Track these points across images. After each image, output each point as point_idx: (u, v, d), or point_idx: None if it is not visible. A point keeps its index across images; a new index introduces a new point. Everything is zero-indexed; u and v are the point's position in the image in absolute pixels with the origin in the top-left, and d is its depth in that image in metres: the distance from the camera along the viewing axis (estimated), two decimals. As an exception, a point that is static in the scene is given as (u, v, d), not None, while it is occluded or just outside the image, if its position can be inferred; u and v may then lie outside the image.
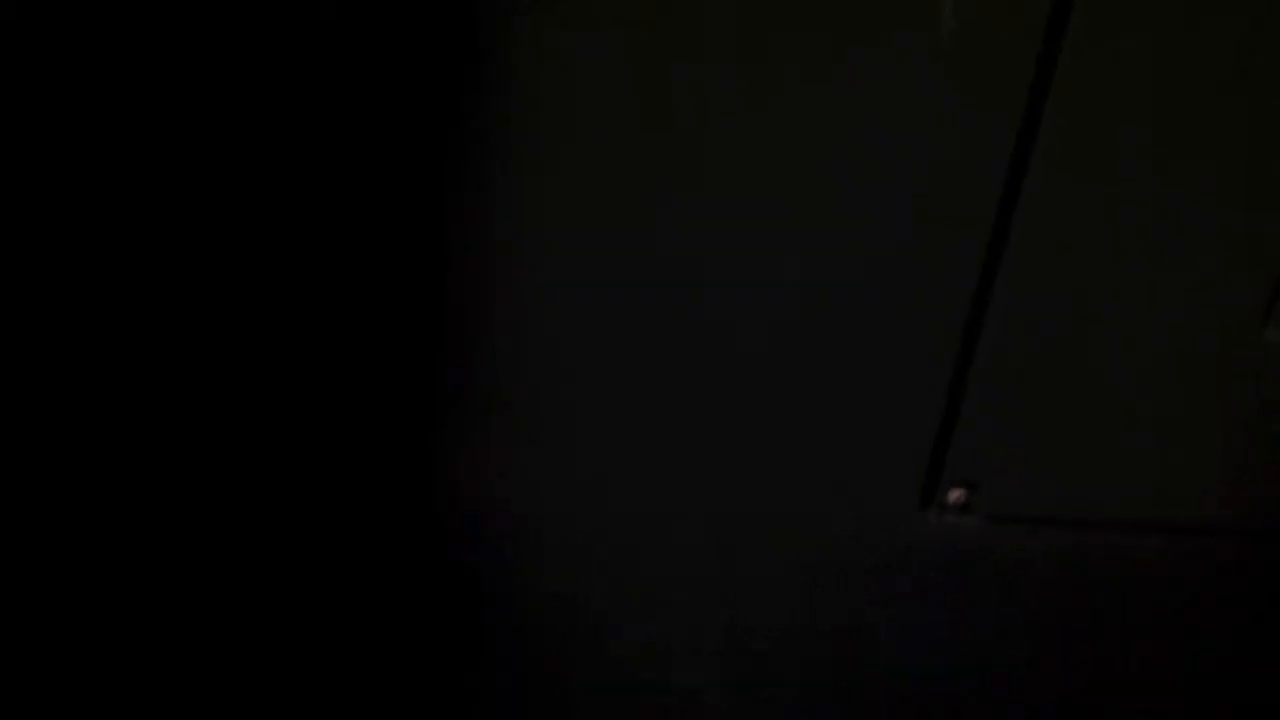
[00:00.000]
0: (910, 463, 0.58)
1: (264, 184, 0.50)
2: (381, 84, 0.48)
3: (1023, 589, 0.61)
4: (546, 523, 0.60)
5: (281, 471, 0.57)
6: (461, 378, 0.56)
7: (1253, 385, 0.56)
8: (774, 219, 0.52)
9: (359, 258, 0.52)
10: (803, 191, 0.51)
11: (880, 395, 0.56)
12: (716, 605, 0.63)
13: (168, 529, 0.58)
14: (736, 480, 0.59)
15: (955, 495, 0.58)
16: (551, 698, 0.66)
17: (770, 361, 0.55)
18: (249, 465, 0.57)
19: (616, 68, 0.48)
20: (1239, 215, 0.52)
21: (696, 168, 0.50)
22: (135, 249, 0.50)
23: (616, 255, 0.52)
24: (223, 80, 0.47)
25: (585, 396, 0.56)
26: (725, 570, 0.62)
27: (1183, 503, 0.59)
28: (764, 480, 0.59)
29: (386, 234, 0.52)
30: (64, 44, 0.45)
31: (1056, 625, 0.63)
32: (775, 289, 0.54)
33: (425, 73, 0.48)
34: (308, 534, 0.59)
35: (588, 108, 0.49)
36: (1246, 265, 0.53)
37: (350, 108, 0.49)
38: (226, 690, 0.62)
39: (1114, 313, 0.54)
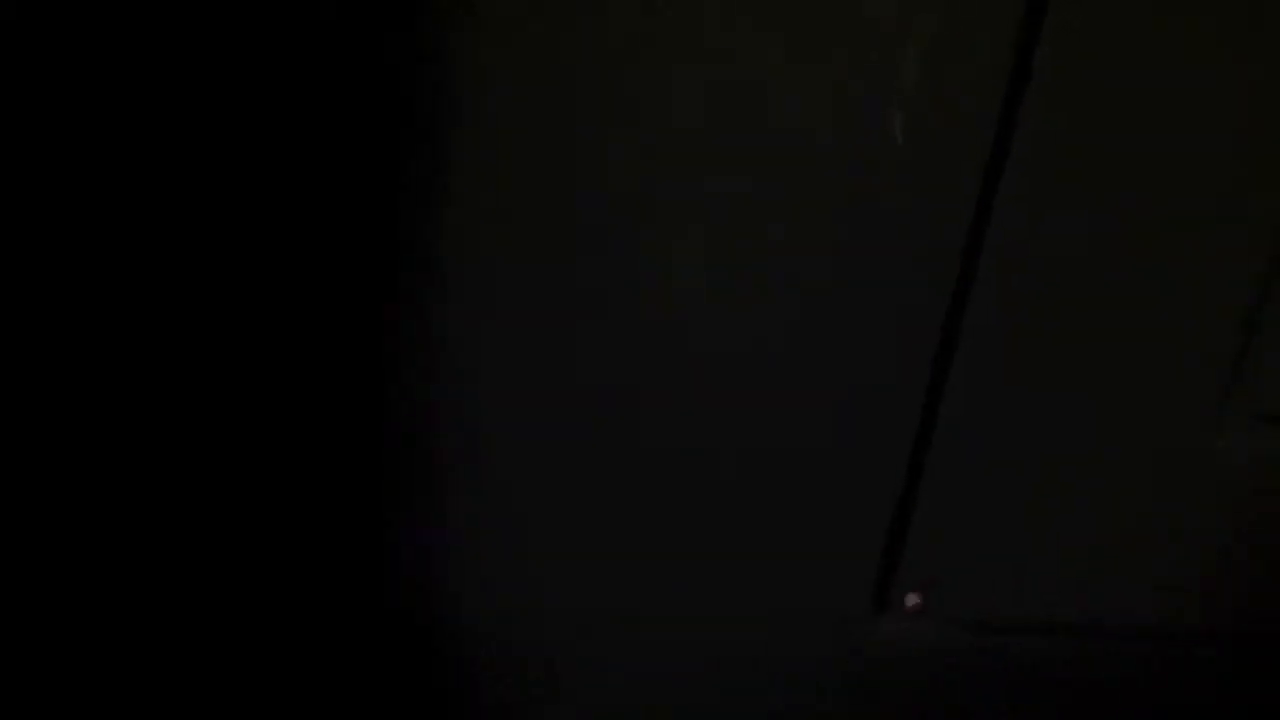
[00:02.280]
0: (864, 567, 0.57)
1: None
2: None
3: (978, 692, 0.61)
4: (494, 623, 0.59)
5: (217, 578, 0.56)
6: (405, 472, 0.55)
7: (1204, 491, 0.56)
8: (730, 317, 0.51)
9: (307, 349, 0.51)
10: (756, 286, 0.51)
11: (834, 499, 0.56)
12: (669, 706, 0.62)
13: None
14: (689, 582, 0.58)
15: (911, 600, 0.57)
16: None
17: (724, 464, 0.55)
18: (188, 569, 0.55)
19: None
20: (1188, 323, 0.52)
21: (643, 287, 0.50)
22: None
23: (566, 367, 0.52)
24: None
25: (534, 498, 0.56)
26: (678, 672, 0.61)
27: (1136, 607, 0.59)
28: (716, 581, 0.58)
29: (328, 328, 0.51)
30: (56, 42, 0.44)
31: (1012, 728, 0.63)
32: (730, 393, 0.53)
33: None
34: (247, 635, 0.58)
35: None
36: (1197, 372, 0.53)
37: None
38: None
39: (1066, 419, 0.54)
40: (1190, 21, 0.45)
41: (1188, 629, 0.60)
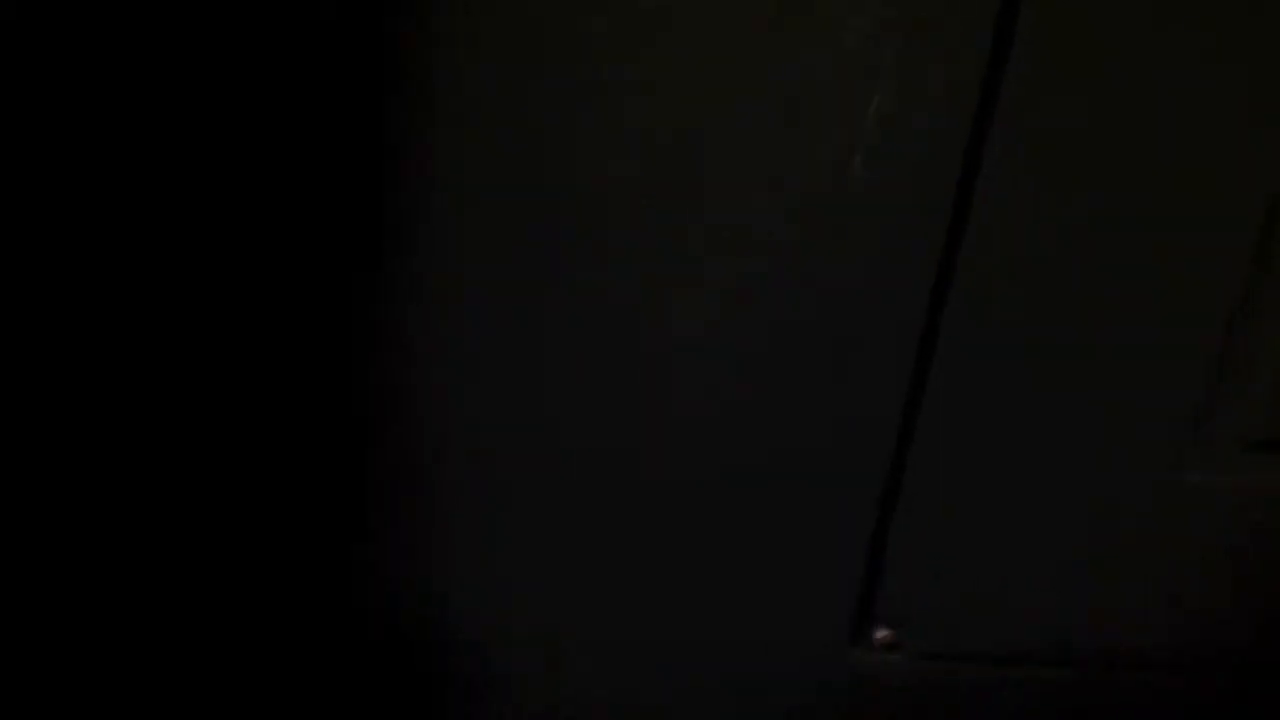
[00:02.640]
0: (838, 601, 0.57)
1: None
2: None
3: (951, 724, 0.61)
4: (467, 641, 0.59)
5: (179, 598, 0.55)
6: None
7: (1175, 522, 0.56)
8: (705, 353, 0.51)
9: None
10: (729, 323, 0.51)
11: (808, 534, 0.56)
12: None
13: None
14: (664, 611, 0.58)
15: (883, 634, 0.57)
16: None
17: (701, 495, 0.55)
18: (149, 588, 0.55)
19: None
20: (1158, 356, 0.52)
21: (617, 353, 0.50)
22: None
23: (546, 390, 0.52)
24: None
25: (511, 521, 0.56)
26: (651, 700, 0.61)
27: (1107, 639, 0.59)
28: (691, 610, 0.58)
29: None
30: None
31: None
32: (707, 425, 0.53)
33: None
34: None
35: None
36: (1167, 405, 0.53)
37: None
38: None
39: (1036, 453, 0.54)
40: (1147, 75, 0.45)
41: (1160, 659, 0.60)
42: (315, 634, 0.58)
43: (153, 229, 0.47)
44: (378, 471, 0.54)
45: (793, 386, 0.52)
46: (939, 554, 0.56)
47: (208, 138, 0.46)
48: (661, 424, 0.53)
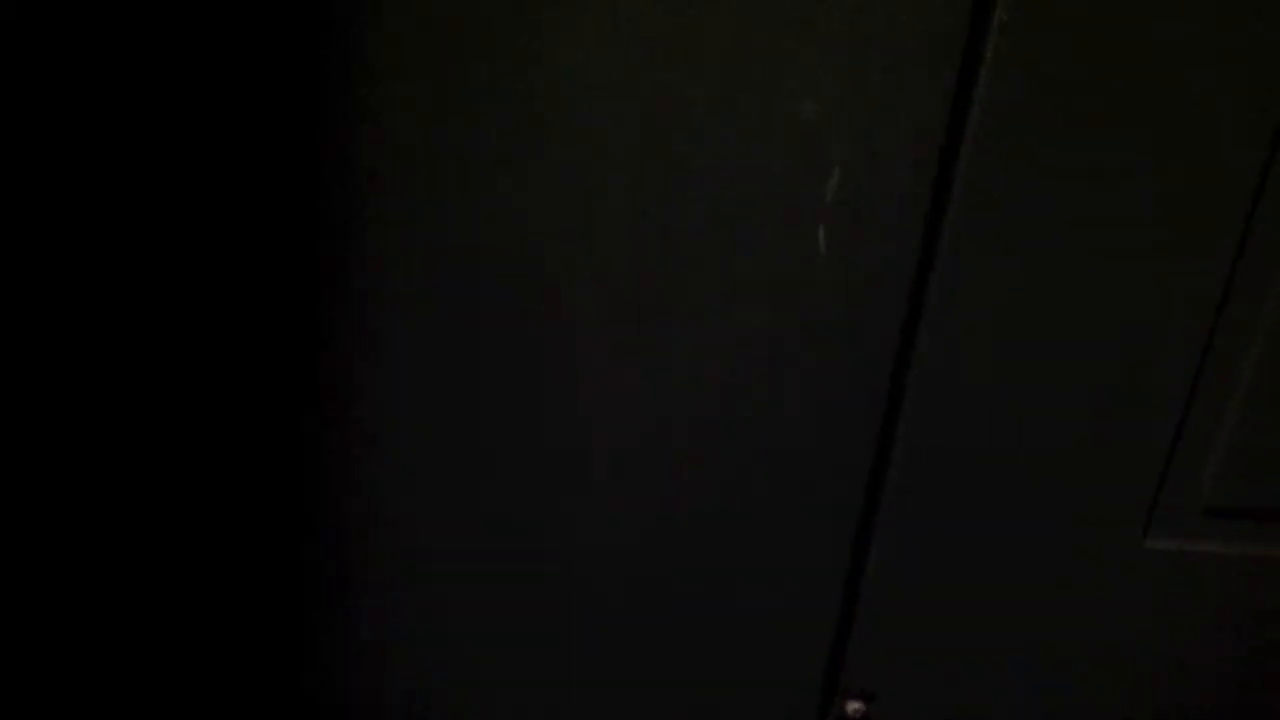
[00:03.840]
0: (807, 675, 0.56)
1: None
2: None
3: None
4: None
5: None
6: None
7: (1135, 590, 0.56)
8: (677, 438, 0.51)
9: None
10: (704, 406, 0.50)
11: (775, 609, 0.55)
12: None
13: None
14: (632, 688, 0.57)
15: (853, 707, 0.56)
16: None
17: (667, 570, 0.54)
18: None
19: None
20: (1116, 427, 0.53)
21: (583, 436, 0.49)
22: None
23: (498, 478, 0.51)
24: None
25: (463, 613, 0.54)
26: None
27: (1072, 706, 0.59)
28: (661, 688, 0.57)
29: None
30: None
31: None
32: (672, 503, 0.53)
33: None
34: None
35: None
36: (1126, 474, 0.54)
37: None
38: None
39: (1000, 525, 0.54)
40: (1098, 158, 0.46)
41: (1128, 725, 0.60)
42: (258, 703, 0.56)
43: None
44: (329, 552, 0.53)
45: (757, 463, 0.51)
46: (906, 626, 0.56)
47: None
48: (627, 506, 0.52)
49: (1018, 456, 0.52)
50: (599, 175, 0.45)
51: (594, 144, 0.45)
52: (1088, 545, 0.55)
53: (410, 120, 0.44)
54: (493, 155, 0.45)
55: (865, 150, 0.45)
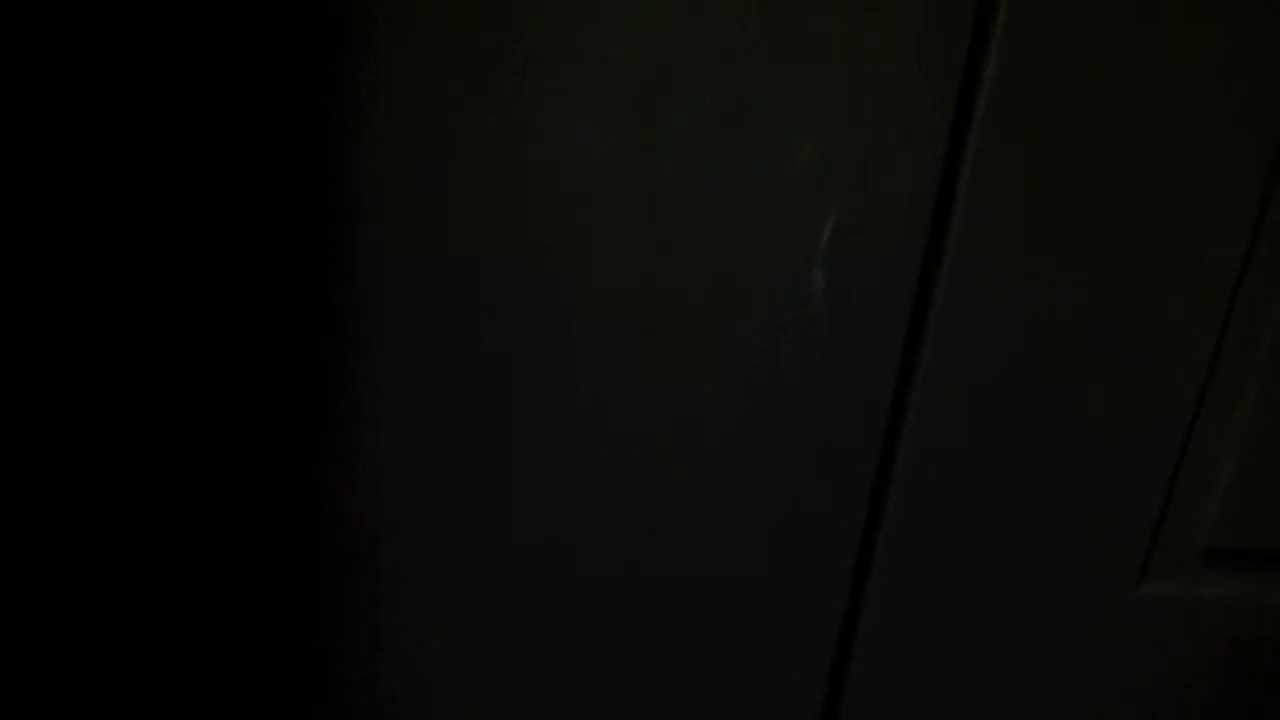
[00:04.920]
0: (804, 705, 0.56)
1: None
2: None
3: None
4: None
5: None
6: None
7: (1131, 635, 0.56)
8: (662, 510, 0.51)
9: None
10: (694, 460, 0.50)
11: (774, 637, 0.55)
12: None
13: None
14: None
15: (845, 750, 0.56)
16: None
17: (649, 644, 0.54)
18: None
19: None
20: (1112, 470, 0.52)
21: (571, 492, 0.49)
22: None
23: (499, 501, 0.51)
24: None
25: (466, 632, 0.54)
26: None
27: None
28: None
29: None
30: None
31: None
32: (657, 571, 0.52)
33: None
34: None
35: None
36: (1122, 518, 0.53)
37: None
38: None
39: (994, 566, 0.54)
40: (1094, 196, 0.46)
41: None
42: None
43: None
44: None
45: (747, 515, 0.51)
46: (901, 668, 0.55)
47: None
48: (623, 534, 0.52)
49: (1009, 496, 0.52)
50: (593, 221, 0.45)
51: (587, 190, 0.44)
52: (1082, 589, 0.54)
53: (404, 153, 0.43)
54: (491, 193, 0.44)
55: (862, 194, 0.45)
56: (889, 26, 0.42)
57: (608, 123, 0.43)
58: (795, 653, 0.55)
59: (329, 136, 0.43)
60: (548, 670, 0.54)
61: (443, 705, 0.55)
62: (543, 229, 0.45)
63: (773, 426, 0.49)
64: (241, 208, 0.44)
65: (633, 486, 0.50)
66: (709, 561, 0.52)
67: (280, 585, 0.52)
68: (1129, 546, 0.54)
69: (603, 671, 0.55)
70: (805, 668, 0.55)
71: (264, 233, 0.45)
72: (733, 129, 0.43)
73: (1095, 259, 0.47)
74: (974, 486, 0.51)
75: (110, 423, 0.47)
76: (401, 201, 0.44)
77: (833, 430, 0.49)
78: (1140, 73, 0.43)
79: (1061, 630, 0.55)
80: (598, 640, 0.54)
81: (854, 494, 0.51)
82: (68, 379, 0.46)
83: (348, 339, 0.47)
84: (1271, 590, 0.55)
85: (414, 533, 0.51)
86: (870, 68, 0.42)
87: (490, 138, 0.43)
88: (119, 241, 0.45)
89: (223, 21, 0.42)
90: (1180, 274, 0.48)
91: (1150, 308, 0.48)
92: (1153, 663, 0.56)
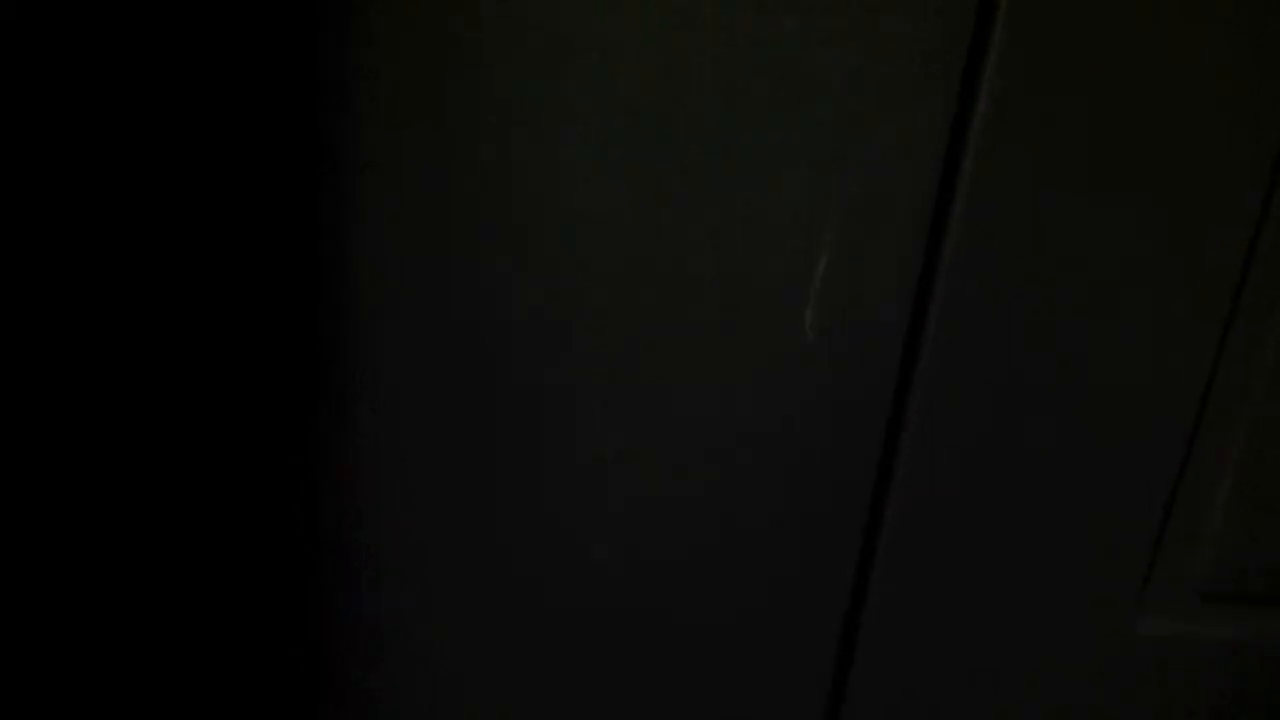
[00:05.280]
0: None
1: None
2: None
3: None
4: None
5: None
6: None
7: (1127, 675, 0.55)
8: (657, 561, 0.51)
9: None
10: (686, 496, 0.50)
11: (769, 672, 0.54)
12: None
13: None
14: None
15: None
16: None
17: (648, 659, 0.54)
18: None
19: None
20: (1107, 508, 0.52)
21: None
22: None
23: (495, 532, 0.51)
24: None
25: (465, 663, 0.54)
26: None
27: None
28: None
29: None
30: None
31: None
32: (647, 624, 0.52)
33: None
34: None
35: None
36: (1117, 554, 0.53)
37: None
38: None
39: (988, 606, 0.54)
40: (1084, 239, 0.46)
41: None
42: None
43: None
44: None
45: (745, 541, 0.51)
46: (898, 707, 0.55)
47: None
48: (614, 577, 0.52)
49: (1003, 534, 0.52)
50: (585, 260, 0.45)
51: (579, 229, 0.45)
52: (1079, 626, 0.54)
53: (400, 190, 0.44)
54: (488, 232, 0.45)
55: (853, 232, 0.45)
56: (884, 62, 0.42)
57: (605, 157, 0.44)
58: (786, 695, 0.54)
59: (323, 143, 0.44)
60: (549, 670, 0.54)
61: (443, 712, 0.55)
62: (540, 260, 0.45)
63: (763, 466, 0.49)
64: (232, 218, 0.45)
65: (627, 510, 0.50)
66: (699, 600, 0.52)
67: (275, 590, 0.52)
68: (1125, 584, 0.53)
69: (602, 683, 0.55)
70: (801, 700, 0.55)
71: (255, 241, 0.45)
72: (724, 167, 0.44)
73: (1089, 291, 0.47)
74: (968, 524, 0.51)
75: (102, 422, 0.47)
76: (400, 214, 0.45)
77: (823, 474, 0.49)
78: (1139, 87, 0.44)
79: (1058, 667, 0.54)
80: (596, 653, 0.54)
81: (845, 534, 0.51)
82: (61, 372, 0.46)
83: (339, 339, 0.47)
84: (1268, 629, 0.55)
85: (412, 536, 0.51)
86: (863, 106, 0.43)
87: (488, 183, 0.44)
88: (109, 240, 0.45)
89: (214, 16, 0.42)
90: (1173, 309, 0.48)
91: (1144, 341, 0.49)
92: (1149, 701, 0.55)
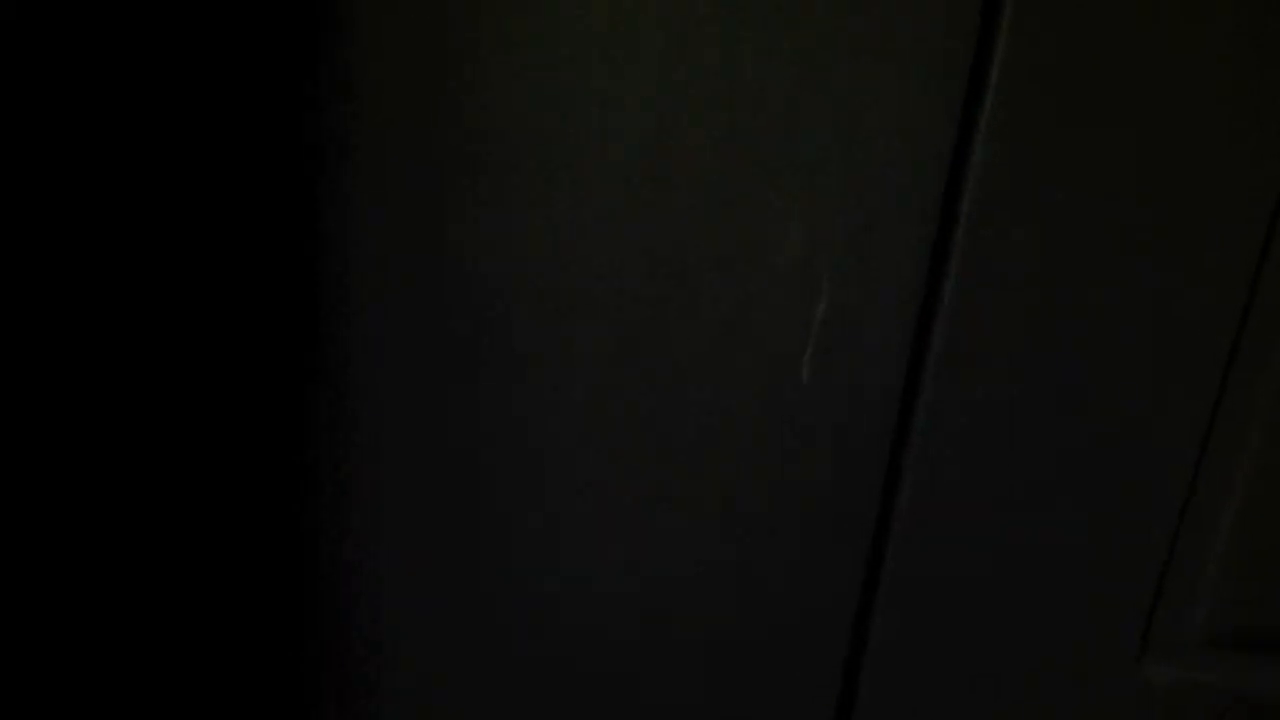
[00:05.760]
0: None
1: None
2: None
3: None
4: None
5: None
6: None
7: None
8: (658, 597, 0.50)
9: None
10: (680, 546, 0.50)
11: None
12: None
13: None
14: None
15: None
16: None
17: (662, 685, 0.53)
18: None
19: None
20: (1110, 552, 0.52)
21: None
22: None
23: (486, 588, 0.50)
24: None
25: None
26: None
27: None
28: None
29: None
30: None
31: None
32: (642, 664, 0.52)
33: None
34: None
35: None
36: (1120, 600, 0.53)
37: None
38: None
39: (990, 650, 0.53)
40: (1081, 291, 0.46)
41: None
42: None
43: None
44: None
45: (735, 602, 0.50)
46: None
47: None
48: (609, 626, 0.51)
49: (1006, 578, 0.51)
50: (581, 305, 0.45)
51: (576, 275, 0.45)
52: (1080, 670, 0.53)
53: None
54: (487, 267, 0.45)
55: (851, 276, 0.45)
56: (879, 107, 0.43)
57: (604, 203, 0.44)
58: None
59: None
60: (550, 671, 0.53)
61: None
62: (537, 290, 0.45)
63: (761, 513, 0.49)
64: (220, 220, 0.45)
65: (630, 546, 0.50)
66: (694, 651, 0.52)
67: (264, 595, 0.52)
68: (1127, 629, 0.53)
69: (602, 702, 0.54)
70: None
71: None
72: (721, 213, 0.44)
73: (1088, 336, 0.47)
74: (968, 567, 0.51)
75: (91, 424, 0.47)
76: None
77: (822, 519, 0.49)
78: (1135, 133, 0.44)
79: (1060, 712, 0.54)
80: (594, 688, 0.53)
81: (844, 579, 0.51)
82: (49, 374, 0.45)
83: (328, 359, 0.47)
84: (1268, 675, 0.55)
85: (403, 545, 0.51)
86: (860, 147, 0.43)
87: (484, 242, 0.44)
88: (97, 240, 0.44)
89: (204, 19, 0.42)
90: (1175, 351, 0.48)
91: (1145, 381, 0.48)
92: (1153, 750, 0.55)
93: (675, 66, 0.42)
